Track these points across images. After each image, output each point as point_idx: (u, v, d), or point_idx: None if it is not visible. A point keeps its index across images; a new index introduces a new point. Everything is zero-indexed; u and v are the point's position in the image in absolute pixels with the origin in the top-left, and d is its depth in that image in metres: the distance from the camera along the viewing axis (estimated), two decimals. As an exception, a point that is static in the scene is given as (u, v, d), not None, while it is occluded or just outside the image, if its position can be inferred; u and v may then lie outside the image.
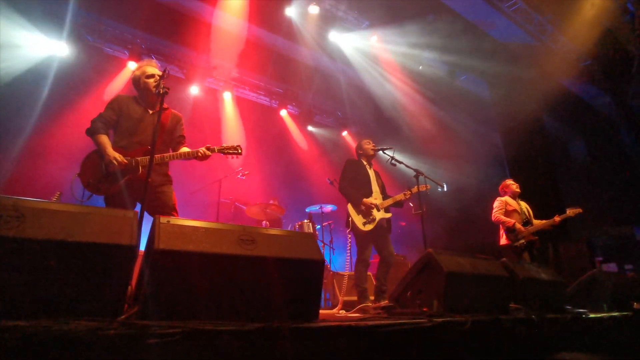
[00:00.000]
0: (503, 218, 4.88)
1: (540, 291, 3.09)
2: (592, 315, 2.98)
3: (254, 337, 1.38)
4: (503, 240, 4.93)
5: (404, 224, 7.98)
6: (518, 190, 5.08)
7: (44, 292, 1.24)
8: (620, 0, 6.49)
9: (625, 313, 3.24)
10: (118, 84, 6.17)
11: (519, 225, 4.75)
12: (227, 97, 7.44)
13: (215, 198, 5.44)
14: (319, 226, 6.00)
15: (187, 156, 2.91)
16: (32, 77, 5.42)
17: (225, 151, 3.03)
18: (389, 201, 4.06)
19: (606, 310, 3.54)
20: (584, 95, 8.84)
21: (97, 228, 1.37)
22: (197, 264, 1.50)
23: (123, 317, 1.32)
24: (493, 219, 4.99)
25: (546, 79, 7.71)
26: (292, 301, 1.72)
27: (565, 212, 4.81)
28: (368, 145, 4.30)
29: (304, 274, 1.76)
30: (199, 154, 2.90)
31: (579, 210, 4.78)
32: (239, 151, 3.06)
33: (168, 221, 1.55)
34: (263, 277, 1.64)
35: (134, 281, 1.69)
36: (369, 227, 3.88)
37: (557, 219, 4.77)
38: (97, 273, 1.32)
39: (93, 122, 2.83)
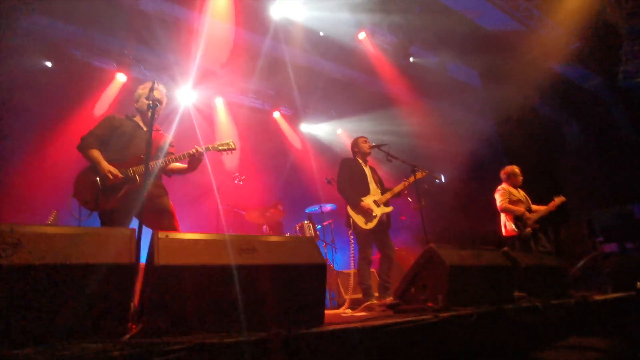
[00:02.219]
0: (511, 207, 4.77)
1: (544, 277, 3.11)
2: (596, 298, 2.99)
3: (261, 347, 1.38)
4: (507, 231, 4.83)
5: (404, 217, 7.99)
6: (521, 182, 5.06)
7: (46, 317, 1.23)
8: (607, -20, 6.50)
9: (630, 293, 3.25)
10: (108, 97, 6.13)
11: (528, 214, 4.72)
12: (219, 102, 7.42)
13: (214, 206, 5.43)
14: (319, 226, 5.99)
15: (181, 158, 2.91)
16: (19, 94, 5.38)
17: (219, 148, 3.03)
18: (388, 195, 4.06)
19: (610, 292, 3.55)
20: (575, 78, 8.84)
21: (95, 249, 1.36)
22: (199, 277, 1.49)
23: (127, 336, 1.31)
24: (500, 208, 4.86)
25: (536, 64, 7.71)
26: (296, 307, 1.72)
27: (553, 199, 4.85)
28: (365, 144, 4.30)
29: (306, 279, 1.76)
30: (192, 152, 2.89)
31: (562, 198, 4.85)
32: (232, 146, 3.07)
33: (167, 235, 1.54)
34: (266, 285, 1.63)
35: (136, 297, 1.68)
36: (371, 225, 3.88)
37: (555, 202, 4.80)
38: (99, 294, 1.31)
39: (83, 138, 2.82)
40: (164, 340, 1.28)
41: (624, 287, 3.50)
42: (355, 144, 4.37)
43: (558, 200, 4.83)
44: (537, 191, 5.35)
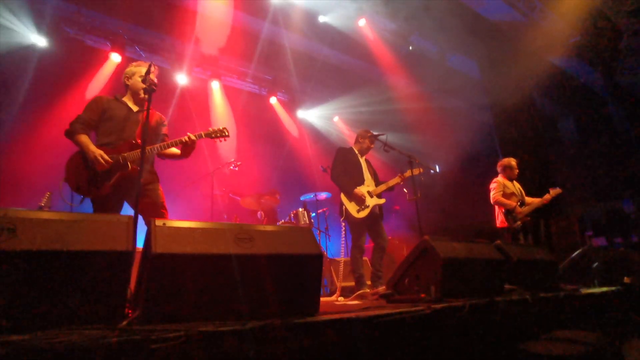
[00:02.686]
0: (504, 200, 4.84)
1: (534, 271, 3.16)
2: (584, 292, 3.06)
3: (257, 336, 1.39)
4: (500, 223, 4.92)
5: (398, 207, 8.03)
6: (517, 175, 5.10)
7: (42, 304, 1.23)
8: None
9: (616, 288, 3.32)
10: (101, 77, 6.00)
11: (519, 209, 4.78)
12: (215, 86, 7.31)
13: (209, 191, 5.41)
14: (314, 214, 6.01)
15: (173, 145, 2.85)
16: (10, 72, 5.25)
17: (212, 135, 2.98)
18: (382, 187, 4.08)
19: (597, 286, 3.63)
20: (573, 72, 8.85)
21: (92, 235, 1.35)
22: (196, 266, 1.50)
23: (124, 322, 1.31)
24: (493, 201, 4.94)
25: (535, 56, 7.69)
26: (292, 296, 1.73)
27: (549, 192, 4.90)
28: (371, 142, 4.29)
29: (303, 269, 1.77)
30: (184, 140, 2.85)
31: (559, 190, 4.89)
32: (226, 133, 3.02)
33: (164, 224, 1.53)
34: (262, 275, 1.64)
35: (133, 282, 1.68)
36: (363, 214, 3.91)
37: (548, 196, 4.85)
38: (95, 281, 1.31)
39: (71, 124, 2.75)
40: (160, 328, 1.29)
41: (611, 281, 3.58)
42: (363, 135, 4.31)
43: (554, 192, 4.87)
44: (529, 183, 5.41)
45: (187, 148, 2.92)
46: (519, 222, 4.75)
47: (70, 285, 1.28)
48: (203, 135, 2.94)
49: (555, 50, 7.82)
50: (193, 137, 2.87)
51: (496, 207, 4.98)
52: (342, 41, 7.25)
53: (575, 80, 8.97)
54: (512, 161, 5.13)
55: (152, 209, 2.75)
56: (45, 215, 1.34)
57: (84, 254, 1.30)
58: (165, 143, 2.84)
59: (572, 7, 6.85)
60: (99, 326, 1.23)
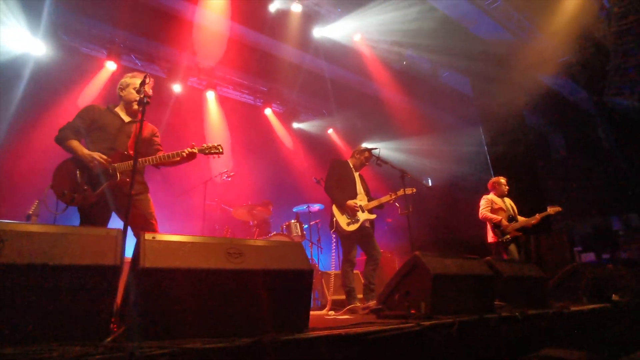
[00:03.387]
0: (490, 215, 4.99)
1: (524, 287, 3.17)
2: (572, 309, 3.07)
3: (245, 353, 1.38)
4: (490, 238, 5.03)
5: (390, 220, 8.05)
6: (506, 191, 5.20)
7: (28, 318, 1.21)
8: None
9: (605, 305, 3.34)
10: (96, 85, 5.99)
11: (505, 222, 4.88)
12: (210, 96, 7.33)
13: (201, 201, 5.38)
14: (306, 225, 6.00)
15: (169, 158, 2.84)
16: (4, 77, 5.22)
17: (206, 151, 2.99)
18: (374, 203, 4.10)
19: (586, 303, 3.65)
20: (562, 91, 9.05)
21: (80, 249, 1.33)
22: (185, 281, 1.48)
23: (110, 338, 1.29)
24: (480, 216, 5.10)
25: (526, 75, 7.86)
26: (281, 312, 1.72)
27: (546, 209, 4.96)
28: (367, 159, 4.33)
29: (292, 285, 1.77)
30: (184, 154, 2.85)
31: (558, 208, 4.95)
32: (220, 150, 3.03)
33: (153, 237, 1.52)
34: (252, 290, 1.63)
35: (119, 296, 1.65)
36: (353, 227, 3.93)
37: (538, 217, 4.92)
38: (82, 295, 1.29)
39: (61, 130, 2.72)
40: (146, 344, 1.27)
41: (599, 299, 3.60)
42: (359, 151, 4.35)
43: (552, 209, 4.95)
44: (519, 199, 5.48)
45: (188, 157, 2.92)
46: (507, 237, 4.82)
47: (56, 299, 1.26)
48: (197, 150, 2.94)
49: (545, 68, 8.02)
50: (195, 151, 2.89)
51: (487, 223, 5.07)
52: (337, 55, 7.35)
53: (565, 98, 9.17)
54: (501, 178, 5.29)
55: (141, 220, 2.73)
56: (34, 228, 1.32)
57: (71, 268, 1.28)
58: (161, 154, 2.83)
59: (562, 27, 7.04)
60: (84, 342, 1.21)
